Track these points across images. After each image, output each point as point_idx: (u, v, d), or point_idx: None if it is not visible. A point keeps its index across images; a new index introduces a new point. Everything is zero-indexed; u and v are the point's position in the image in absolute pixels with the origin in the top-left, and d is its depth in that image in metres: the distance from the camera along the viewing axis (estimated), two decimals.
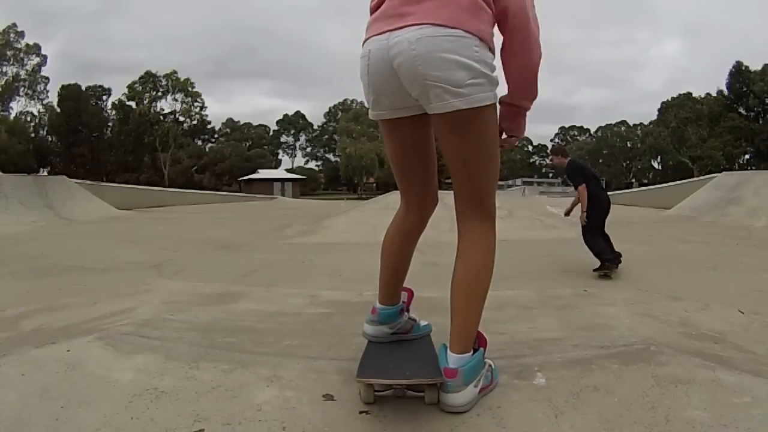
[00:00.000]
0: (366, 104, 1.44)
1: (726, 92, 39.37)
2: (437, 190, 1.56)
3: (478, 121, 1.26)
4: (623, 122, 54.65)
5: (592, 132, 58.16)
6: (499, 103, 1.33)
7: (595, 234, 3.31)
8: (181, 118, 44.25)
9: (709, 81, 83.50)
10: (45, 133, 40.59)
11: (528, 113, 1.39)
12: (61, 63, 62.22)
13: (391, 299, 1.56)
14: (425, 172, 1.47)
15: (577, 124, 63.54)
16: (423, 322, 1.67)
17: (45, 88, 39.79)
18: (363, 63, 1.32)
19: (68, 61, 60.64)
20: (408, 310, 1.64)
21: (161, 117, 42.82)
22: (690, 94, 42.81)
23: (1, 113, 37.52)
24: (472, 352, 1.30)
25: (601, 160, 53.40)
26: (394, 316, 1.57)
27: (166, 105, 43.48)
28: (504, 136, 1.40)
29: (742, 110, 38.83)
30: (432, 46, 1.20)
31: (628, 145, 52.59)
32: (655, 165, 49.21)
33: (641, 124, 51.55)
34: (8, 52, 37.05)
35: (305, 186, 48.91)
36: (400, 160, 1.46)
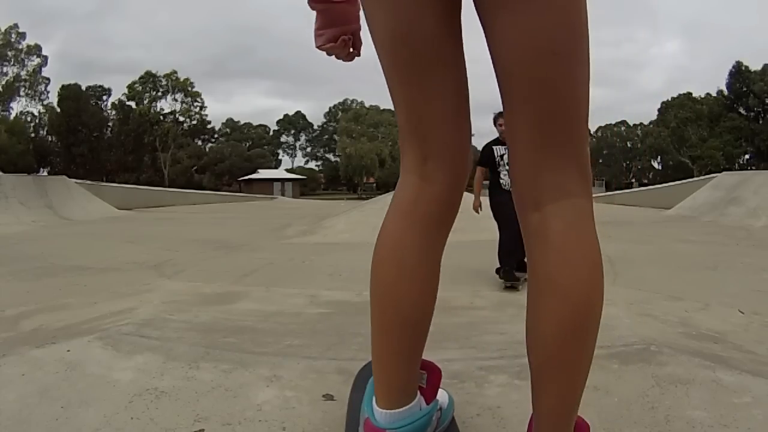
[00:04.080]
0: None
1: (726, 92, 39.39)
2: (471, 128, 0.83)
3: None
4: (623, 122, 54.65)
5: (592, 132, 58.10)
6: None
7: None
8: (181, 118, 44.37)
9: (709, 81, 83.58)
10: (45, 133, 40.64)
11: None
12: (59, 63, 62.52)
13: (406, 391, 0.81)
14: (457, 74, 0.77)
15: None
16: (444, 398, 0.99)
17: (45, 89, 39.87)
18: None
19: (66, 61, 60.99)
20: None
21: (161, 117, 42.91)
22: (690, 94, 42.91)
23: (2, 113, 37.56)
24: None
25: (601, 160, 53.38)
26: (421, 429, 0.82)
27: (166, 105, 43.67)
28: None
29: (742, 110, 38.87)
30: None
31: (628, 145, 52.58)
32: (655, 165, 49.23)
33: (641, 124, 51.61)
34: (9, 53, 37.10)
35: (305, 186, 48.99)
36: (415, 43, 0.73)
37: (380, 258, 0.81)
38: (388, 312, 0.80)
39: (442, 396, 0.95)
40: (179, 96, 43.64)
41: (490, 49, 0.72)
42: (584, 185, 0.73)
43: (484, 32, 0.72)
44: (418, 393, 0.85)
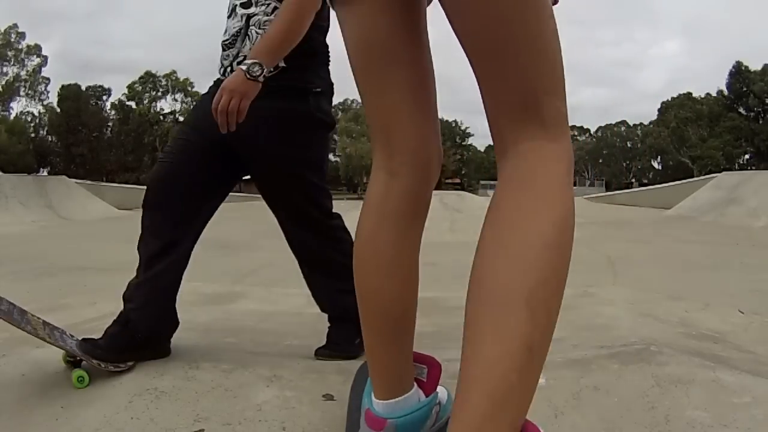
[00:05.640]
0: None
1: (726, 92, 39.42)
2: (438, 122, 0.86)
3: None
4: (623, 122, 54.64)
5: (592, 132, 58.01)
6: None
7: None
8: (181, 118, 44.34)
9: (709, 81, 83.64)
10: (45, 133, 40.67)
11: None
12: (59, 63, 62.48)
13: (399, 382, 0.83)
14: (417, 71, 0.81)
15: (577, 124, 63.15)
16: (443, 394, 0.95)
17: (45, 89, 39.91)
18: None
19: (66, 61, 60.79)
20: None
21: (161, 117, 42.92)
22: (690, 94, 42.96)
23: (2, 113, 37.60)
24: None
25: (601, 160, 53.41)
26: (420, 422, 0.83)
27: (165, 105, 43.64)
28: None
29: (742, 110, 38.90)
30: None
31: (628, 145, 52.60)
32: (655, 165, 49.26)
33: (641, 124, 51.63)
34: (9, 53, 37.13)
35: None
36: (374, 46, 0.78)
37: (357, 255, 0.83)
38: (370, 307, 0.82)
39: (441, 392, 0.96)
40: (179, 96, 43.66)
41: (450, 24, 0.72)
42: (552, 124, 0.69)
43: (447, 17, 0.73)
44: (415, 385, 0.86)
